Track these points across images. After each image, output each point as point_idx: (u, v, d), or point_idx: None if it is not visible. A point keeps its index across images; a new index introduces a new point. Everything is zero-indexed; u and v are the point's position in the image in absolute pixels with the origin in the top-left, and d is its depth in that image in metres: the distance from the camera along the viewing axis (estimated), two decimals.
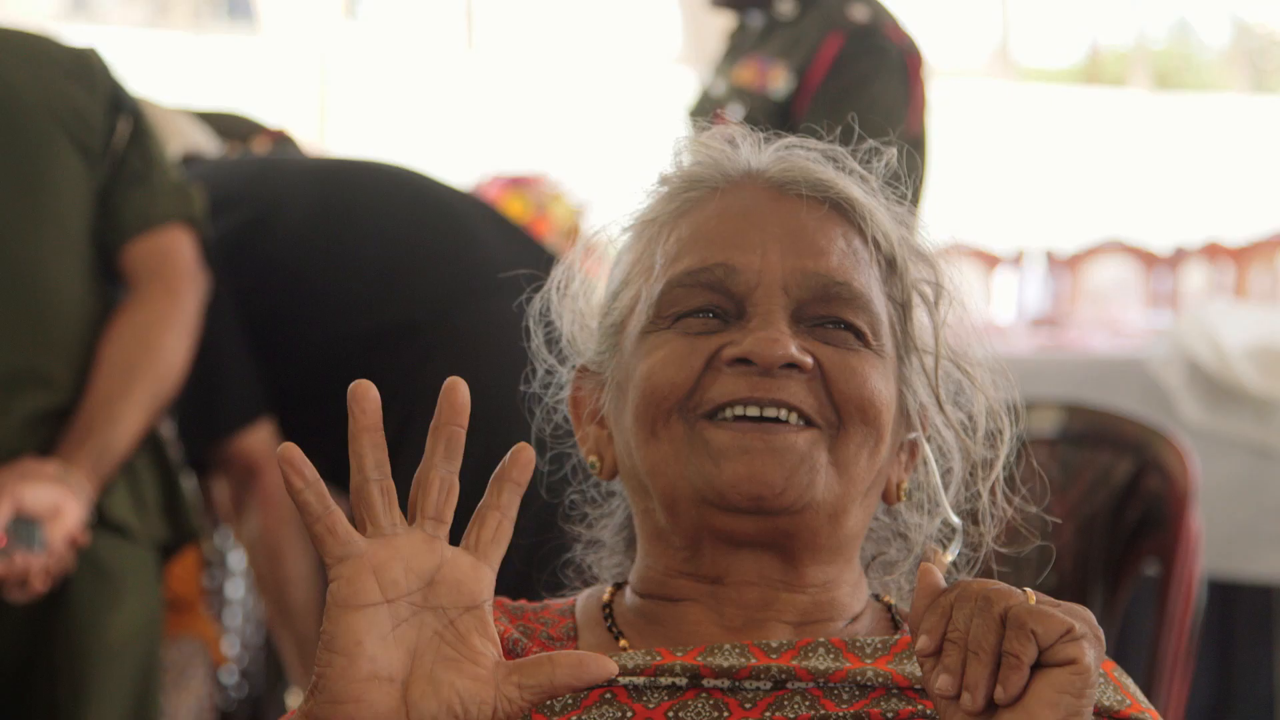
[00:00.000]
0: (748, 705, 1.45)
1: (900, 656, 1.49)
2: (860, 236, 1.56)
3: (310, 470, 1.32)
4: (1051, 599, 1.35)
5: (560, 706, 1.46)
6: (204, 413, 3.17)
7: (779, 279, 1.53)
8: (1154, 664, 2.44)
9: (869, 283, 1.55)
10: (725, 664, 1.47)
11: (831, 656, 1.48)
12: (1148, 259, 9.28)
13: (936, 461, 1.62)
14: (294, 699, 3.43)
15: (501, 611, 1.61)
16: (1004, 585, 1.33)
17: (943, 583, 1.34)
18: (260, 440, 3.24)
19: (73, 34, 3.21)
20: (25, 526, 2.66)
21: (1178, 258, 9.34)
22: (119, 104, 2.94)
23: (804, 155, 1.61)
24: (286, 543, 3.26)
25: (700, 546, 1.55)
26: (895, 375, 1.56)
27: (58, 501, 2.69)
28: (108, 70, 2.97)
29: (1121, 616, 2.56)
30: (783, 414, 1.50)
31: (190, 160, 3.45)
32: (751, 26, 4.19)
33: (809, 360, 1.51)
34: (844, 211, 1.57)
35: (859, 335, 1.54)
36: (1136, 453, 2.55)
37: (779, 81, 3.97)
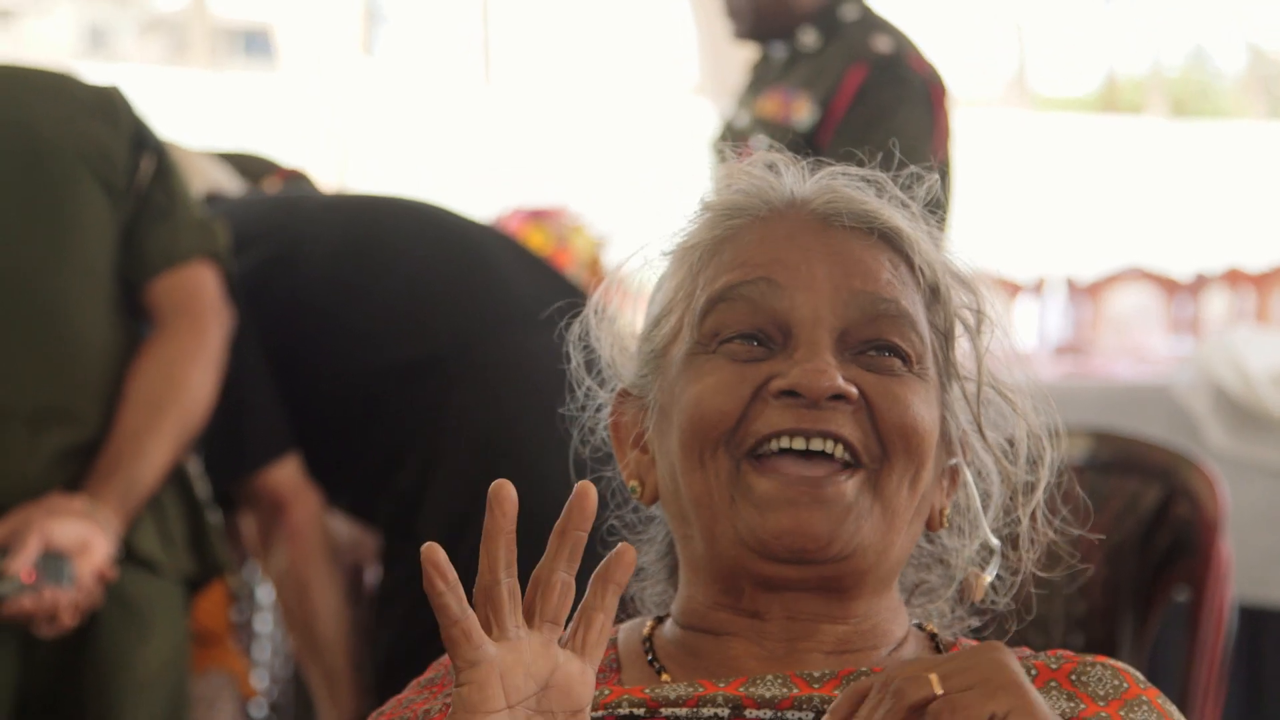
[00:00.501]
0: None
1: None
2: (906, 264, 1.56)
3: (452, 573, 1.33)
4: (966, 660, 1.33)
5: None
6: (230, 448, 3.18)
7: (826, 299, 1.53)
8: (1186, 691, 2.44)
9: (915, 306, 1.55)
10: (768, 694, 1.47)
11: None
12: (1169, 285, 9.27)
13: (975, 485, 1.61)
14: None
15: None
16: (919, 673, 1.31)
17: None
18: (287, 474, 3.24)
19: (90, 71, 3.22)
20: (54, 562, 2.66)
21: (1199, 284, 9.33)
22: (142, 141, 2.95)
23: (846, 183, 1.61)
24: (314, 576, 3.25)
25: (740, 585, 1.54)
26: (938, 401, 1.56)
27: (85, 537, 2.69)
28: (130, 107, 2.98)
29: (1152, 644, 2.56)
30: (829, 446, 1.50)
31: (212, 199, 3.46)
32: (774, 58, 4.19)
33: (854, 390, 1.50)
34: (890, 240, 1.56)
35: (904, 359, 1.53)
36: (1164, 479, 2.54)
37: (803, 112, 3.98)
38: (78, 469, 2.81)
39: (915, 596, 1.64)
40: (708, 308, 1.55)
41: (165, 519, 2.91)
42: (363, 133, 11.68)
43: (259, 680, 4.01)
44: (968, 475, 1.60)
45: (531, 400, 3.19)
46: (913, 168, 1.64)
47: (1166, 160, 14.13)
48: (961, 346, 1.59)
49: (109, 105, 2.94)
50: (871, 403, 1.51)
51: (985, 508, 1.62)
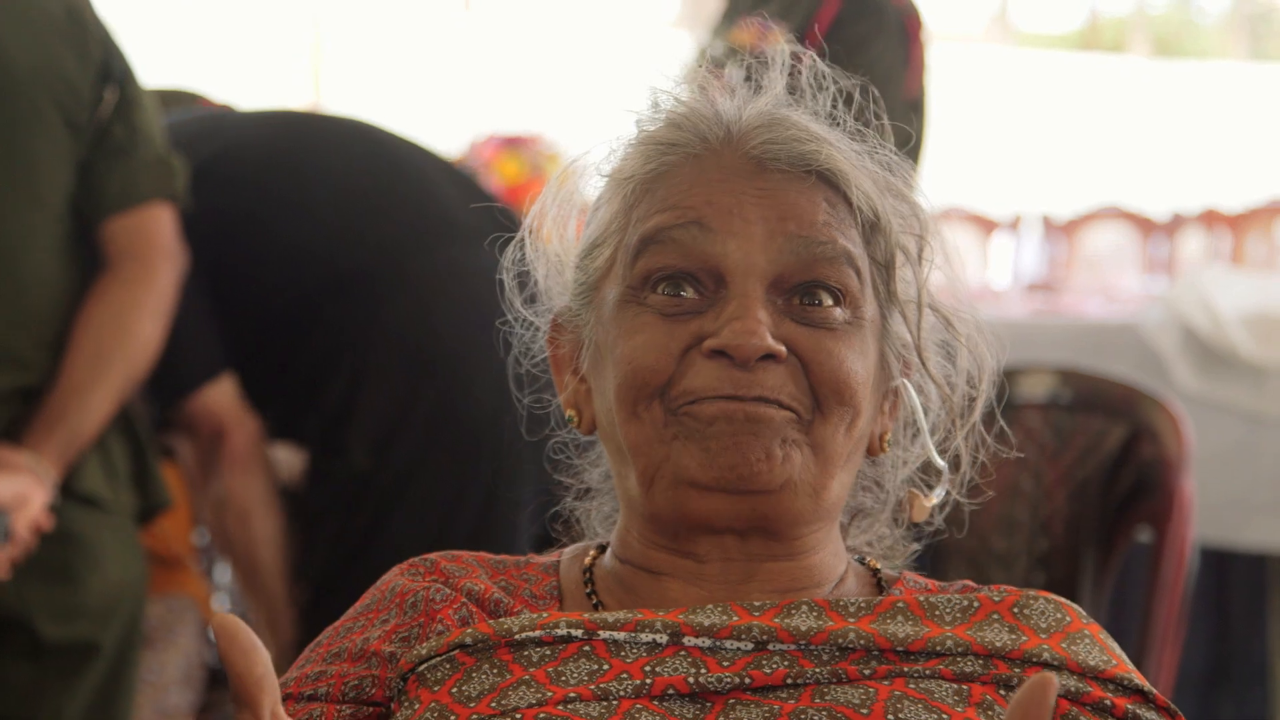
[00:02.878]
0: (725, 663, 1.45)
1: (884, 617, 1.49)
2: (845, 201, 1.54)
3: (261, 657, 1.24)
4: None
5: (538, 658, 1.44)
6: (166, 370, 3.11)
7: (759, 245, 1.50)
8: (1146, 630, 2.45)
9: (853, 243, 1.52)
10: (707, 622, 1.46)
11: (814, 615, 1.47)
12: (1145, 225, 9.28)
13: (919, 404, 1.60)
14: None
15: (482, 567, 1.59)
16: None
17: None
18: (225, 397, 3.20)
19: None
20: None
21: (1175, 224, 9.34)
22: (108, 71, 2.90)
23: (786, 115, 1.59)
24: (256, 503, 3.22)
25: (676, 528, 1.53)
26: (876, 337, 1.54)
27: (24, 491, 2.69)
28: (101, 29, 2.92)
29: (1113, 582, 2.56)
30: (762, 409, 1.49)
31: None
32: None
33: (784, 349, 1.48)
34: (826, 179, 1.54)
35: (840, 300, 1.51)
36: (1130, 418, 2.55)
37: (777, 42, 3.96)
38: (18, 412, 2.80)
39: (855, 520, 1.64)
40: (639, 249, 1.52)
41: (110, 456, 2.91)
42: (339, 57, 11.63)
43: (220, 604, 4.01)
44: (911, 395, 1.59)
45: (462, 315, 3.18)
46: (873, 103, 1.63)
47: (1147, 100, 14.12)
48: (905, 276, 1.58)
49: (79, 28, 2.88)
50: (804, 359, 1.49)
51: (929, 429, 1.61)
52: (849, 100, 1.63)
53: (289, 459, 3.34)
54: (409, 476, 3.13)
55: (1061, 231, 9.31)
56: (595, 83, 11.82)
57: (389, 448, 3.13)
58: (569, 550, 1.64)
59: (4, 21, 2.83)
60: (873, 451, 1.57)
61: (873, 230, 1.54)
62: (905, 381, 1.58)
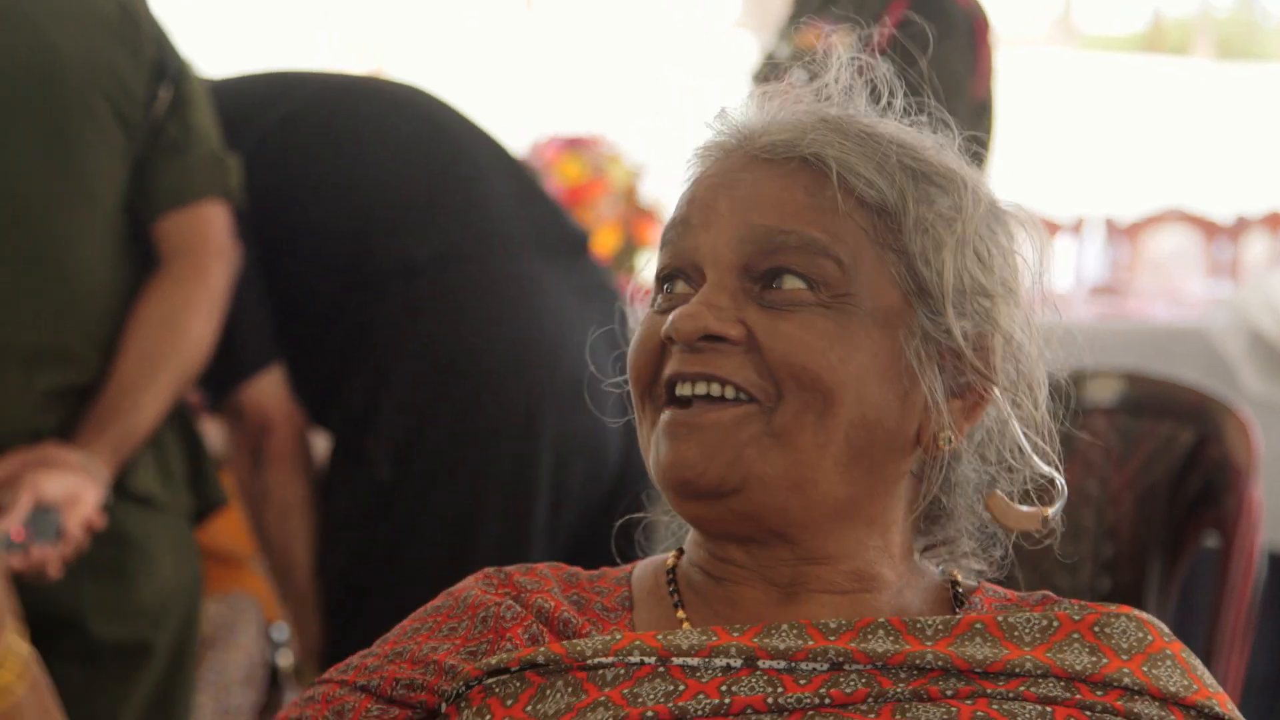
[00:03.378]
0: (802, 681, 1.44)
1: (961, 639, 1.47)
2: (840, 189, 1.51)
3: None
4: None
5: (612, 677, 1.45)
6: (218, 357, 3.05)
7: (725, 236, 1.51)
8: (1213, 636, 2.43)
9: (838, 231, 1.49)
10: (782, 646, 1.45)
11: (891, 639, 1.46)
12: (1208, 228, 9.22)
13: (1011, 412, 1.56)
14: (285, 660, 3.38)
15: (556, 580, 1.59)
16: None
17: None
18: (274, 390, 3.18)
19: None
20: (44, 517, 2.64)
21: (1239, 227, 9.28)
22: (163, 69, 2.89)
23: (801, 112, 1.58)
24: (296, 500, 3.20)
25: (701, 535, 1.55)
26: (886, 326, 1.50)
27: (76, 490, 2.67)
28: (155, 26, 2.91)
29: (1180, 588, 2.55)
30: (715, 389, 1.48)
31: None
32: None
33: (735, 331, 1.48)
34: (812, 166, 1.51)
35: (812, 285, 1.49)
36: (1197, 423, 2.53)
37: (842, 45, 3.95)
38: (70, 410, 2.79)
39: (934, 529, 1.61)
40: (658, 254, 1.56)
41: (165, 456, 2.90)
42: (402, 56, 11.66)
43: None
44: (996, 396, 1.54)
45: (496, 327, 3.14)
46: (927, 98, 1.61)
47: (1210, 102, 14.06)
48: (944, 265, 1.53)
49: (132, 26, 2.87)
50: (759, 341, 1.48)
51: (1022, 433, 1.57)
52: (918, 105, 1.62)
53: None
54: (430, 489, 3.11)
55: (1125, 234, 9.26)
56: (657, 84, 11.83)
57: (410, 459, 3.11)
58: (645, 561, 1.64)
59: (56, 19, 2.81)
60: (927, 450, 1.54)
61: (882, 216, 1.51)
62: (979, 383, 1.54)
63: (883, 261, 1.50)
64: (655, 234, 6.51)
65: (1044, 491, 1.59)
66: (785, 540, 1.51)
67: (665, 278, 1.55)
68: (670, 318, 1.49)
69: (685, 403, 1.49)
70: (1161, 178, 12.53)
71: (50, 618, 2.72)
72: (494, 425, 3.11)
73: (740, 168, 1.54)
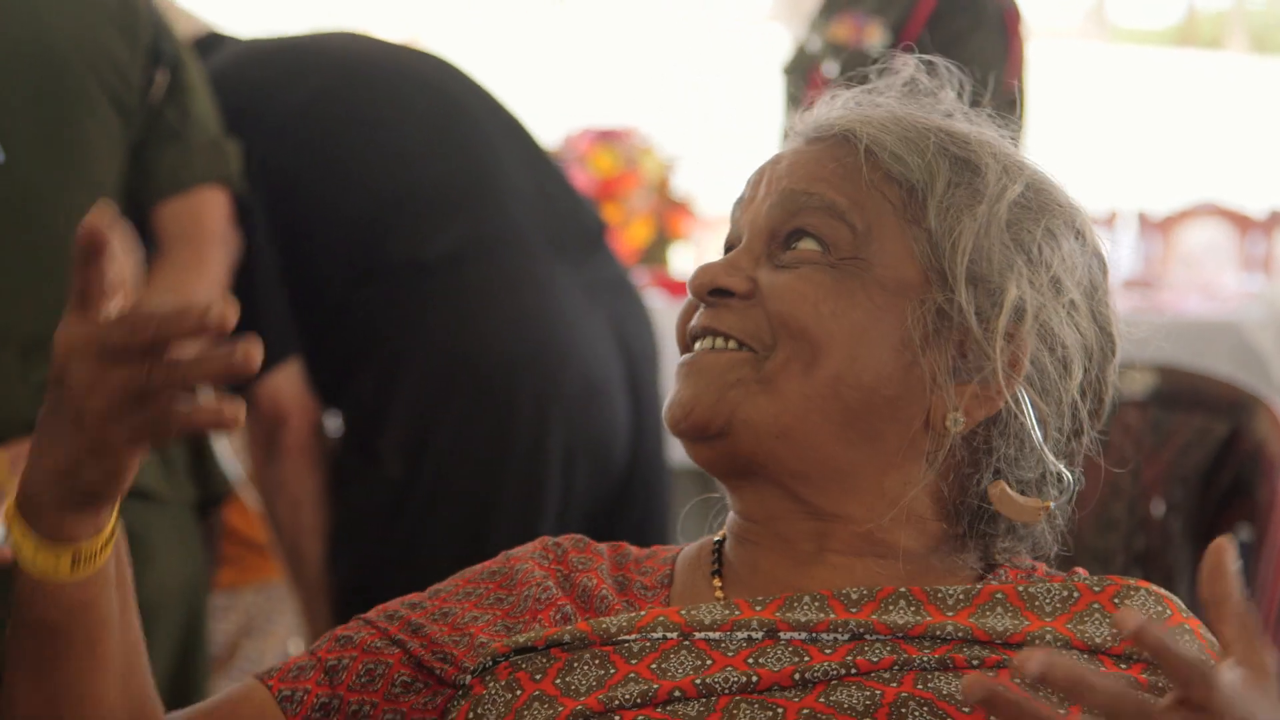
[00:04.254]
0: (828, 650, 1.45)
1: (983, 609, 1.48)
2: (866, 162, 1.55)
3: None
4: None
5: (639, 649, 1.47)
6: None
7: (762, 205, 1.58)
8: None
9: (860, 199, 1.53)
10: (803, 618, 1.47)
11: (912, 609, 1.47)
12: (1242, 222, 9.20)
13: (1028, 406, 1.56)
14: (295, 647, 3.37)
15: (608, 559, 1.63)
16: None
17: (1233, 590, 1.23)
18: (291, 383, 3.16)
19: None
20: None
21: (1272, 221, 9.26)
22: (159, 54, 2.86)
23: (868, 101, 1.62)
24: (308, 492, 3.19)
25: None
26: (898, 297, 1.52)
27: None
28: (152, 11, 2.88)
29: None
30: (718, 343, 1.54)
31: (214, 41, 3.35)
32: None
33: (741, 285, 1.54)
34: (850, 143, 1.57)
35: (825, 245, 1.53)
36: (1230, 416, 2.53)
37: (875, 37, 3.96)
38: None
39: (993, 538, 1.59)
40: None
41: (167, 451, 2.86)
42: (435, 48, 11.64)
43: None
44: (1017, 393, 1.53)
45: (510, 327, 3.14)
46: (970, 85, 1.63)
47: (1244, 96, 14.00)
48: (970, 244, 1.54)
49: (129, 12, 2.84)
50: (762, 294, 1.53)
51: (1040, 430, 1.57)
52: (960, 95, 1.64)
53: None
54: (442, 489, 3.11)
55: (1158, 228, 9.24)
56: (690, 77, 11.83)
57: (420, 458, 3.12)
58: (701, 539, 1.66)
59: (54, 6, 2.79)
60: (933, 426, 1.53)
61: (909, 192, 1.54)
62: (1016, 381, 1.54)
63: (905, 235, 1.53)
64: (687, 226, 6.52)
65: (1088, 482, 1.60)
66: (788, 493, 1.53)
67: (727, 251, 1.62)
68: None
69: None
70: (1195, 171, 12.50)
71: None
72: (503, 427, 3.11)
73: (789, 149, 1.61)
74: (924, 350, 1.52)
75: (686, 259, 6.75)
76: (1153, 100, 13.90)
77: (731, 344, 1.53)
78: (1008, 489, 1.55)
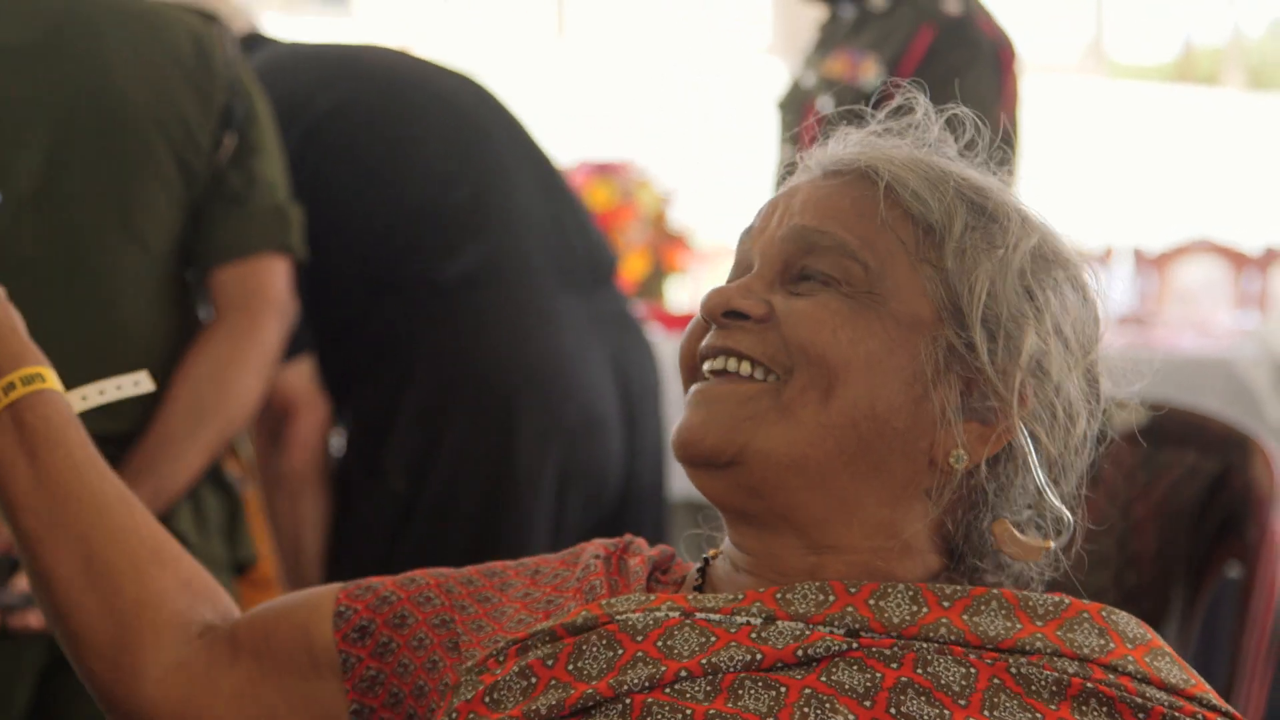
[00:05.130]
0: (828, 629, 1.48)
1: (978, 600, 1.49)
2: (885, 200, 1.56)
3: None
4: None
5: (643, 626, 1.48)
6: None
7: (770, 240, 1.59)
8: (1235, 667, 2.43)
9: (872, 239, 1.55)
10: (802, 608, 1.49)
11: (910, 597, 1.49)
12: (1237, 259, 9.21)
13: (1030, 446, 1.58)
14: None
15: (655, 554, 1.68)
16: None
17: None
18: (302, 378, 3.17)
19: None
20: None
21: (1267, 259, 9.27)
22: (231, 116, 2.83)
23: (882, 139, 1.63)
24: (311, 487, 3.20)
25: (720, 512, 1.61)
26: (913, 332, 1.53)
27: None
28: (230, 69, 2.84)
29: (1202, 619, 2.55)
30: (731, 363, 1.55)
31: (255, 41, 3.38)
32: (843, 18, 4.19)
33: (757, 309, 1.55)
34: (870, 180, 1.58)
35: (835, 284, 1.55)
36: (1222, 454, 2.53)
37: (870, 73, 3.97)
38: (109, 459, 2.74)
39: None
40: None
41: (202, 507, 2.86)
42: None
43: None
44: (1020, 431, 1.56)
45: (514, 357, 3.17)
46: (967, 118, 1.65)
47: (1240, 132, 14.02)
48: (986, 288, 1.56)
49: (205, 70, 2.81)
50: (778, 319, 1.54)
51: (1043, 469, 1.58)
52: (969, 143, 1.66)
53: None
54: (444, 506, 3.14)
55: (1153, 264, 9.26)
56: (688, 110, 11.84)
57: (423, 474, 3.14)
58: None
59: (125, 56, 2.76)
60: (935, 461, 1.55)
61: (927, 233, 1.55)
62: (1017, 421, 1.56)
63: (917, 274, 1.55)
64: (684, 259, 6.53)
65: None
66: (791, 525, 1.55)
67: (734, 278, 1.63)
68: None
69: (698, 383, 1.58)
70: (1190, 208, 12.51)
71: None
72: (502, 451, 3.14)
73: (804, 182, 1.62)
74: (934, 385, 1.53)
75: (683, 292, 6.76)
76: (1149, 136, 13.92)
77: (745, 365, 1.54)
78: (1011, 528, 1.57)
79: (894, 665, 1.44)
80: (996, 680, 1.43)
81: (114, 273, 2.75)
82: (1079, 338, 1.59)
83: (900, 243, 1.55)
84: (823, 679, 1.43)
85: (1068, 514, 1.58)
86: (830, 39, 4.20)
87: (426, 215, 3.22)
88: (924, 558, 1.57)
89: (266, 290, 2.85)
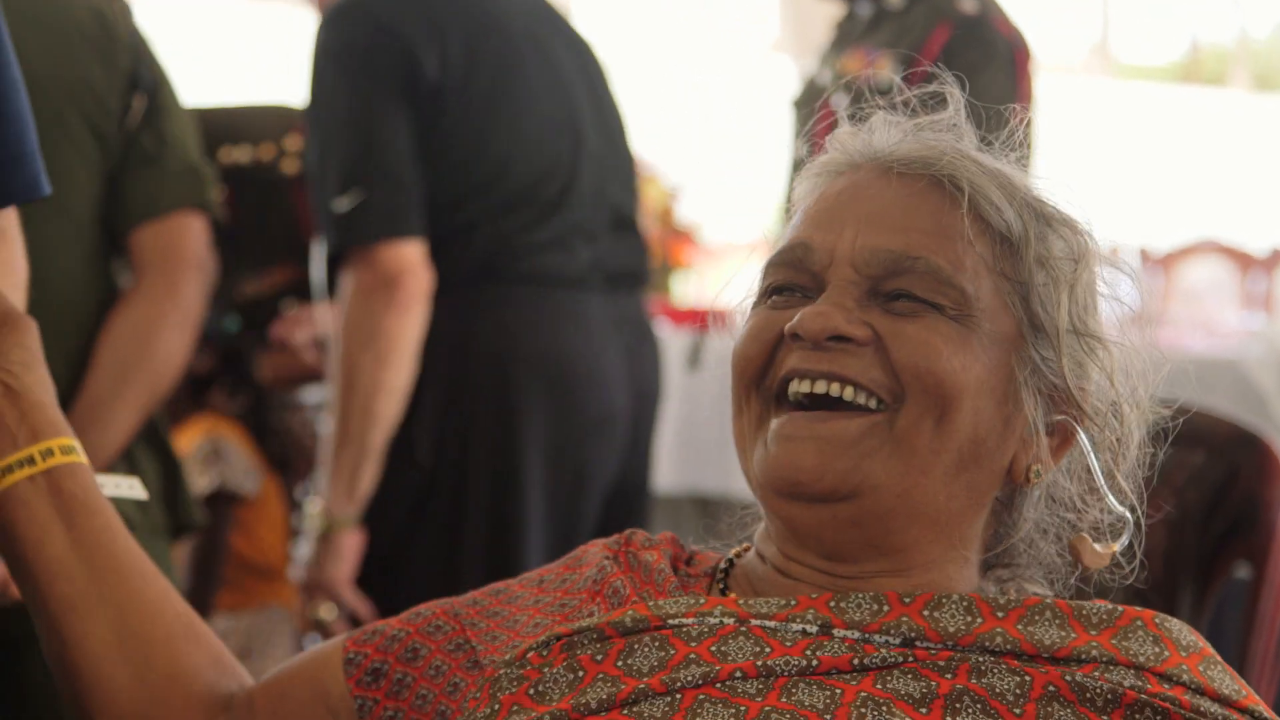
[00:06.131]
0: (883, 646, 1.47)
1: (1032, 610, 1.50)
2: (968, 213, 1.55)
3: None
4: None
5: (698, 634, 1.47)
6: (384, 206, 3.12)
7: (848, 257, 1.54)
8: (1243, 667, 2.43)
9: (961, 259, 1.53)
10: (857, 616, 1.48)
11: (964, 607, 1.49)
12: (1243, 260, 9.20)
13: (1094, 452, 1.59)
14: (314, 508, 3.33)
15: (669, 543, 1.68)
16: None
17: None
18: (415, 254, 3.17)
19: None
20: None
21: (1273, 260, 9.25)
22: (137, 79, 2.84)
23: (930, 134, 1.61)
24: (399, 354, 3.16)
25: (784, 537, 1.57)
26: (1003, 350, 1.54)
27: None
28: (132, 34, 2.85)
29: (1210, 619, 2.55)
30: (834, 389, 1.51)
31: None
32: (859, 16, 4.18)
33: (862, 332, 1.51)
34: (943, 188, 1.56)
35: (938, 309, 1.52)
36: (1230, 454, 2.53)
37: (885, 71, 3.96)
38: None
39: (1002, 562, 1.63)
40: (765, 268, 1.60)
41: (138, 472, 2.85)
42: None
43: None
44: (1082, 439, 1.58)
45: (545, 351, 3.24)
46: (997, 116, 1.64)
47: (1247, 133, 14.01)
48: (1058, 301, 1.56)
49: (108, 36, 2.81)
50: (885, 344, 1.51)
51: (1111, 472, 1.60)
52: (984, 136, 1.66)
53: None
54: (461, 486, 3.16)
55: (1159, 264, 9.24)
56: (694, 106, 11.83)
57: (447, 451, 3.18)
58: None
59: (27, 29, 2.72)
60: (1015, 477, 1.56)
61: (1004, 245, 1.55)
62: (1078, 424, 1.57)
63: (999, 290, 1.55)
64: (690, 255, 6.53)
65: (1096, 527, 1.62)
66: (880, 551, 1.54)
67: (776, 290, 1.59)
68: (798, 315, 1.52)
69: (802, 404, 1.52)
70: (1196, 208, 12.50)
71: (15, 636, 2.71)
72: (525, 444, 3.17)
73: (869, 181, 1.58)
74: (1025, 402, 1.55)
75: (689, 287, 6.76)
76: (1155, 136, 13.91)
77: (848, 391, 1.51)
78: (1090, 541, 1.60)
79: (948, 675, 1.44)
80: (1051, 688, 1.43)
81: (38, 241, 2.74)
82: (1131, 336, 1.62)
83: (982, 259, 1.54)
84: (878, 685, 1.43)
85: (1127, 513, 1.60)
86: (846, 36, 4.19)
87: (504, 191, 3.26)
88: (974, 567, 1.59)
89: (184, 248, 2.86)
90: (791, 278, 1.58)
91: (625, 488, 3.39)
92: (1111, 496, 1.60)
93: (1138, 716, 1.43)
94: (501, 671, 1.50)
